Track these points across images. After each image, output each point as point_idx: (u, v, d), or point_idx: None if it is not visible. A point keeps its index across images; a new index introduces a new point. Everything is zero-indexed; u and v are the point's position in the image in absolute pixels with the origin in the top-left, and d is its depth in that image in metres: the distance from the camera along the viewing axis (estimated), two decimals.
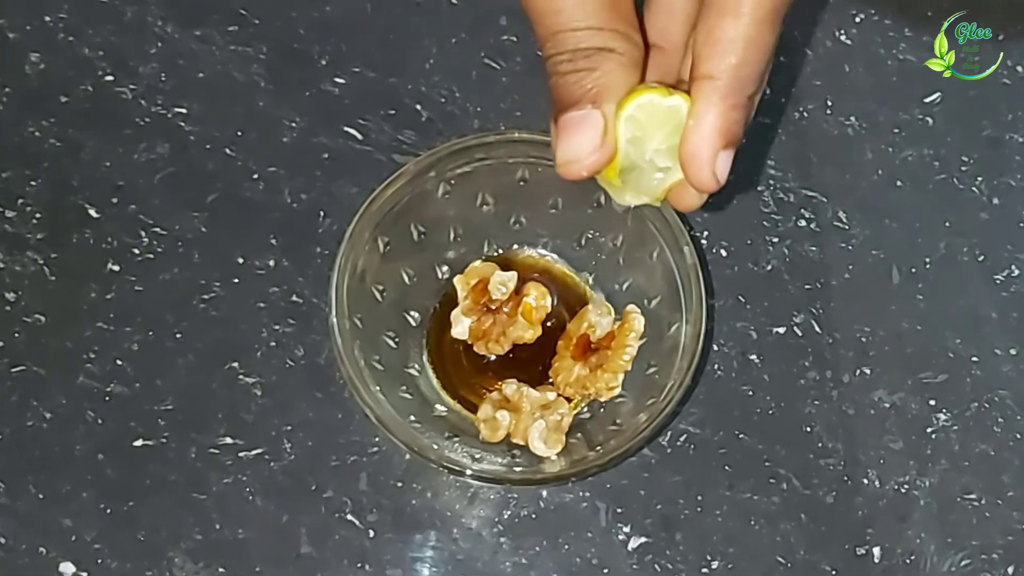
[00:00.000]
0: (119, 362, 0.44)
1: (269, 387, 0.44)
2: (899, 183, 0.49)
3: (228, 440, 0.43)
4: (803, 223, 0.48)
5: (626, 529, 0.43)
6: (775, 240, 0.48)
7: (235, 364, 0.44)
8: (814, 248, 0.48)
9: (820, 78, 0.51)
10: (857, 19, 0.52)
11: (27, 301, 0.45)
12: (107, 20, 0.50)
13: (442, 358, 0.44)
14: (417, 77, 0.50)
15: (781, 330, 0.46)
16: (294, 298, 0.46)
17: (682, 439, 0.44)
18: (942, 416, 0.45)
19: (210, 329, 0.45)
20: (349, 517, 0.43)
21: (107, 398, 0.44)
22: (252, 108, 0.49)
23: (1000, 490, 0.44)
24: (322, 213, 0.47)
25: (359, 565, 0.42)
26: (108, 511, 0.42)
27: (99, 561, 0.41)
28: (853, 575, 0.43)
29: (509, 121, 0.49)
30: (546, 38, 0.30)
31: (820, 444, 0.45)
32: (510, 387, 0.42)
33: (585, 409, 0.43)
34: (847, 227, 0.48)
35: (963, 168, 0.50)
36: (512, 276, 0.43)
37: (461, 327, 0.43)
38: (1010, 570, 0.43)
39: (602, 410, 0.42)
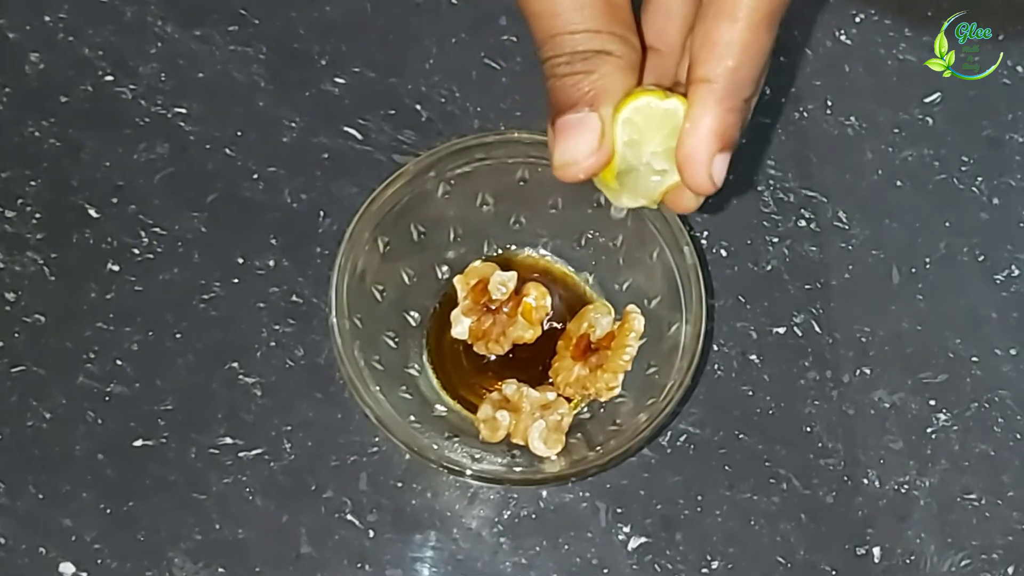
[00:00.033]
0: (119, 362, 0.44)
1: (269, 387, 0.44)
2: (899, 183, 0.49)
3: (228, 440, 0.43)
4: (803, 223, 0.48)
5: (626, 529, 0.43)
6: (775, 240, 0.48)
7: (235, 364, 0.44)
8: (814, 248, 0.48)
9: (820, 78, 0.51)
10: (857, 19, 0.52)
11: (27, 301, 0.45)
12: (107, 20, 0.50)
13: (442, 358, 0.44)
14: (417, 77, 0.50)
15: (781, 330, 0.46)
16: (294, 298, 0.46)
17: (682, 439, 0.44)
18: (942, 416, 0.45)
19: (210, 329, 0.45)
20: (349, 517, 0.43)
21: (107, 398, 0.44)
22: (252, 108, 0.49)
23: (1000, 490, 0.44)
24: (322, 213, 0.47)
25: (359, 565, 0.42)
26: (108, 511, 0.42)
27: (99, 561, 0.41)
28: (853, 575, 0.43)
29: (509, 121, 0.49)
30: (543, 41, 0.30)
31: (820, 444, 0.45)
32: (510, 387, 0.42)
33: (585, 409, 0.43)
34: (847, 227, 0.48)
35: (963, 168, 0.50)
36: (512, 276, 0.43)
37: (461, 327, 0.43)
38: (1010, 570, 0.43)
39: (602, 410, 0.42)
